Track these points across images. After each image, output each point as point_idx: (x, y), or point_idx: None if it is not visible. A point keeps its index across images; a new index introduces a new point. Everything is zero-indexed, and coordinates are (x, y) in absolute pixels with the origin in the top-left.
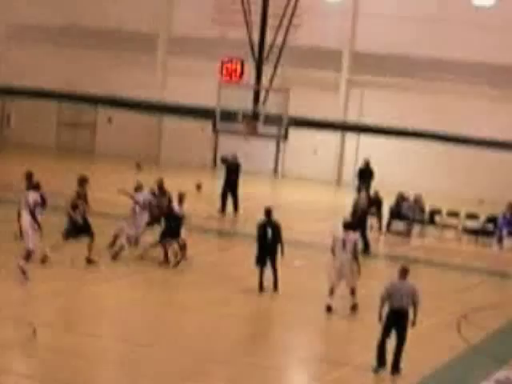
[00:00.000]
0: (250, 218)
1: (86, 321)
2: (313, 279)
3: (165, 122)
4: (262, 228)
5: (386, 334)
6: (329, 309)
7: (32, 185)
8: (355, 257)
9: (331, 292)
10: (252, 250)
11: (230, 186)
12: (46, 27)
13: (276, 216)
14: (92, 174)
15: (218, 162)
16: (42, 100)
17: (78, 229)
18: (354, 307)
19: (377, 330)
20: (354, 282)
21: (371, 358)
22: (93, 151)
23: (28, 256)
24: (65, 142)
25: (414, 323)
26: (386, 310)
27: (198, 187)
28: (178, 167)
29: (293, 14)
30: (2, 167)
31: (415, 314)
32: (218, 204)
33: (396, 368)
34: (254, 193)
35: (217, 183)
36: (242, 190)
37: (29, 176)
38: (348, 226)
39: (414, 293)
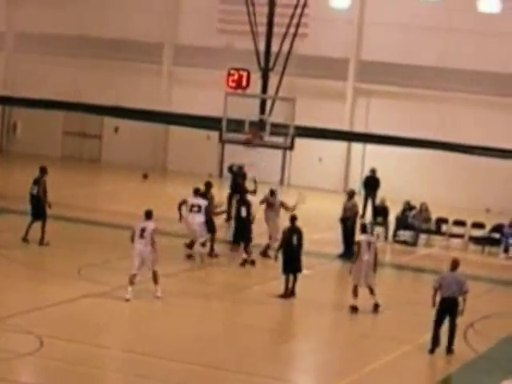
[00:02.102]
0: (254, 228)
1: (92, 331)
2: (322, 288)
3: (171, 132)
4: (288, 235)
5: (438, 319)
6: (354, 309)
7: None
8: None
9: (355, 293)
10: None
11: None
12: (51, 37)
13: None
14: (99, 184)
15: (225, 171)
16: (48, 110)
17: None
18: (376, 306)
19: (385, 339)
20: (375, 281)
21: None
22: (99, 161)
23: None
24: (71, 152)
25: (462, 312)
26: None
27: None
28: (184, 176)
29: (299, 24)
30: (7, 176)
31: (464, 302)
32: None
33: (449, 349)
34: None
35: (223, 193)
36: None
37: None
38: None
39: (463, 283)
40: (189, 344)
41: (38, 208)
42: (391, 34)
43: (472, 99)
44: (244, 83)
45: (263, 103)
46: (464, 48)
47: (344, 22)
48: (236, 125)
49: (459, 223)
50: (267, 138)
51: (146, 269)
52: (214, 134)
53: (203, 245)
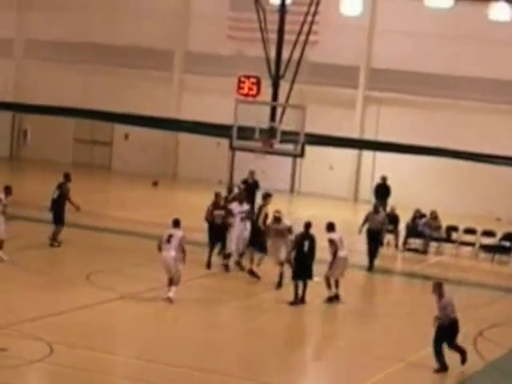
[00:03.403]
0: None
1: (101, 337)
2: (325, 296)
3: (181, 139)
4: (300, 240)
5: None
6: (331, 299)
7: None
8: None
9: (330, 286)
10: (267, 268)
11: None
12: (62, 44)
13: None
14: (109, 191)
15: (236, 180)
16: (58, 117)
17: None
18: (337, 297)
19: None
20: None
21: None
22: (109, 168)
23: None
24: (81, 159)
25: None
26: None
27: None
28: (194, 183)
29: (309, 31)
30: (18, 183)
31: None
32: None
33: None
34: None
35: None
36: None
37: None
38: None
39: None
40: (198, 351)
41: (56, 213)
42: (402, 42)
43: (482, 107)
44: (254, 91)
45: (273, 111)
46: (474, 56)
47: (355, 30)
48: (246, 132)
49: (469, 231)
50: (277, 146)
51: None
52: (224, 142)
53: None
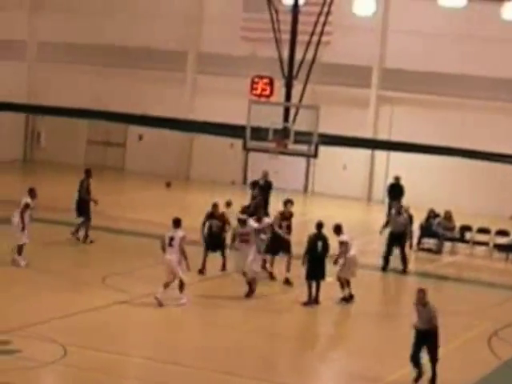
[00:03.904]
0: None
1: (115, 339)
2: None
3: (195, 140)
4: (313, 241)
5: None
6: (345, 299)
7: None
8: None
9: (343, 286)
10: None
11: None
12: (74, 46)
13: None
14: (123, 193)
15: (249, 179)
16: (72, 118)
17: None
18: (351, 297)
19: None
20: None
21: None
22: (123, 169)
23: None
24: (95, 161)
25: None
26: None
27: (228, 205)
28: (208, 184)
29: (322, 31)
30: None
31: None
32: None
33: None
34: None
35: (246, 201)
36: (272, 207)
37: None
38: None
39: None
40: (210, 352)
41: (80, 208)
42: (414, 42)
43: (495, 106)
44: (268, 91)
45: (287, 111)
46: (487, 55)
47: (367, 30)
48: (260, 133)
49: (483, 231)
50: (291, 146)
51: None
52: (238, 142)
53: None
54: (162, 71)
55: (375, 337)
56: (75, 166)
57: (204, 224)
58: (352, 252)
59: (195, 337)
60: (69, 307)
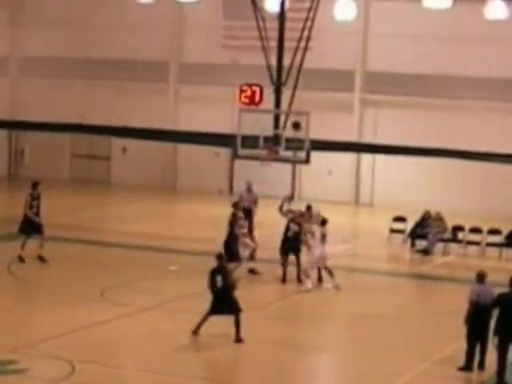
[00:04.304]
0: (266, 244)
1: (121, 353)
2: (346, 300)
3: (179, 150)
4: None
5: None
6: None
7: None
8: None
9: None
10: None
11: (246, 214)
12: (56, 60)
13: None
14: (109, 205)
15: (235, 188)
16: (55, 133)
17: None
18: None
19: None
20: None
21: None
22: (108, 182)
23: None
24: (80, 174)
25: None
26: None
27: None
28: (195, 194)
29: (309, 37)
30: (17, 202)
31: None
32: None
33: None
34: (268, 217)
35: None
36: (259, 215)
37: None
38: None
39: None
40: (215, 363)
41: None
42: (397, 44)
43: (480, 106)
44: (257, 99)
45: (277, 118)
46: (471, 55)
47: (349, 34)
48: (248, 140)
49: (475, 230)
50: (282, 153)
51: None
52: (223, 151)
53: None
54: (145, 82)
55: (377, 341)
56: (60, 180)
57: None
58: (321, 247)
59: (202, 348)
60: (70, 323)
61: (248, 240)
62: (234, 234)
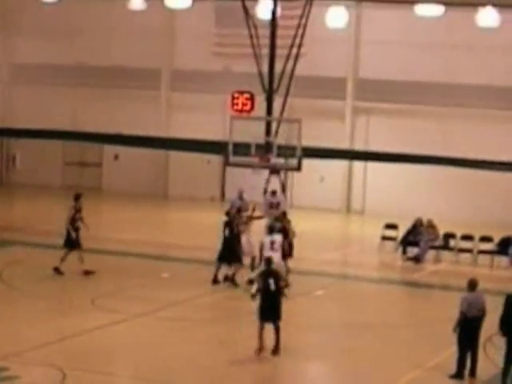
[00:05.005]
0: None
1: (112, 360)
2: (337, 308)
3: (171, 157)
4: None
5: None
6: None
7: None
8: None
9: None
10: None
11: None
12: (48, 67)
13: None
14: (101, 212)
15: (227, 195)
16: (46, 140)
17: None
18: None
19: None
20: None
21: None
22: (100, 189)
23: None
24: (71, 181)
25: None
26: None
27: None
28: (187, 201)
29: (300, 44)
30: (9, 208)
31: None
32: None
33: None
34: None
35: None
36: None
37: None
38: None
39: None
40: (206, 371)
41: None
42: (388, 52)
43: (473, 113)
44: (249, 106)
45: (268, 125)
46: (462, 63)
47: (341, 41)
48: (239, 148)
49: (467, 238)
50: (274, 160)
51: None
52: (215, 158)
53: None
54: (136, 89)
55: (369, 349)
56: (52, 187)
57: None
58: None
59: (196, 355)
60: (62, 330)
61: (249, 243)
62: (236, 233)
